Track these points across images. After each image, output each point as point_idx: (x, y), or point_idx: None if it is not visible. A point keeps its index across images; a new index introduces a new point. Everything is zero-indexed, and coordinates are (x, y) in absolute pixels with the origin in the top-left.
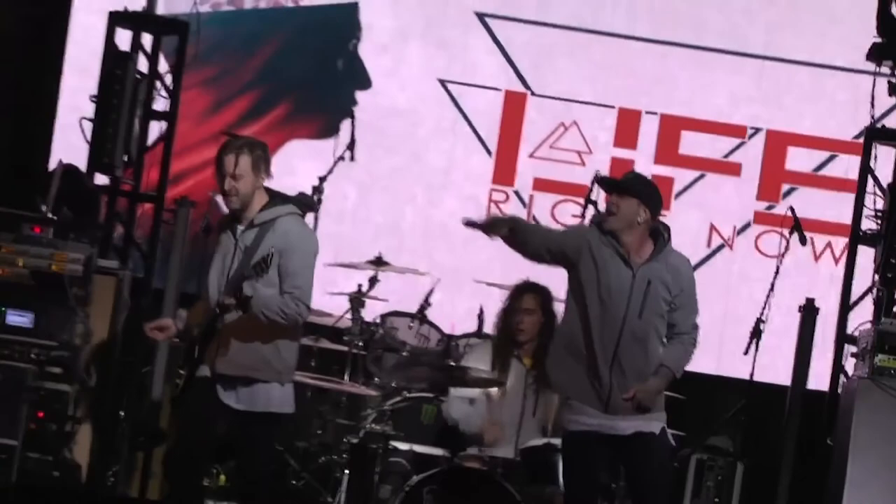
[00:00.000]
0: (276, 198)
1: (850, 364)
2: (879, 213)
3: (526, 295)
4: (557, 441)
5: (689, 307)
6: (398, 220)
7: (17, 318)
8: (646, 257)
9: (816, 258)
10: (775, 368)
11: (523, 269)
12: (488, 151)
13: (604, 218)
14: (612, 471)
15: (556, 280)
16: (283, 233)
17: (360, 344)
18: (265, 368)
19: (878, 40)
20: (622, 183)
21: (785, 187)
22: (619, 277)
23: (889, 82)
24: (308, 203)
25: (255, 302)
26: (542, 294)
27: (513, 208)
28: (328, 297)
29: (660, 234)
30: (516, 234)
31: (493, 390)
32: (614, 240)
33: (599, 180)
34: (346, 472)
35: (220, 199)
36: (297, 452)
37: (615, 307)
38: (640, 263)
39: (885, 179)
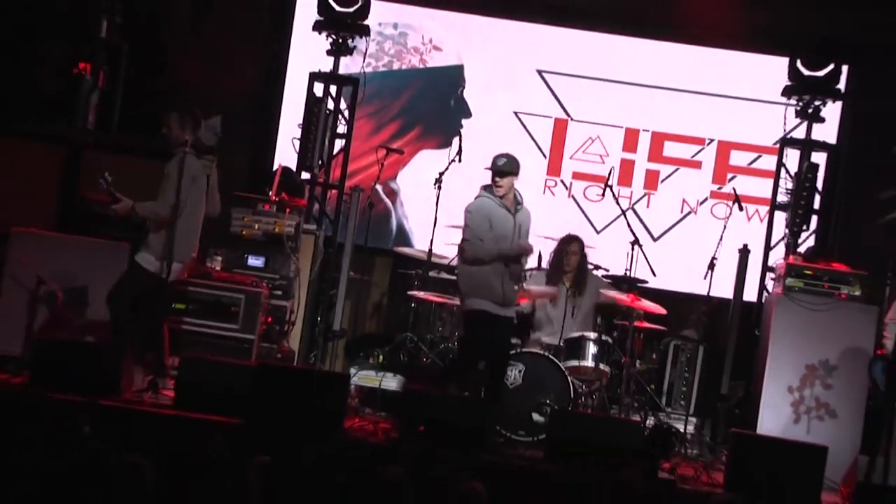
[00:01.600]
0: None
1: (770, 284)
2: (789, 191)
3: (572, 243)
4: (589, 333)
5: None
6: None
7: (255, 261)
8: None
9: (749, 219)
10: (724, 287)
11: (568, 226)
12: (544, 155)
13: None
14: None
15: (585, 233)
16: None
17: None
18: None
19: (789, 83)
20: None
21: (729, 175)
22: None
23: (795, 109)
24: None
25: None
26: (580, 242)
27: (559, 190)
28: (445, 246)
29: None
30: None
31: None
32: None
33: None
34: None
35: (378, 186)
36: (427, 341)
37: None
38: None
39: (793, 169)
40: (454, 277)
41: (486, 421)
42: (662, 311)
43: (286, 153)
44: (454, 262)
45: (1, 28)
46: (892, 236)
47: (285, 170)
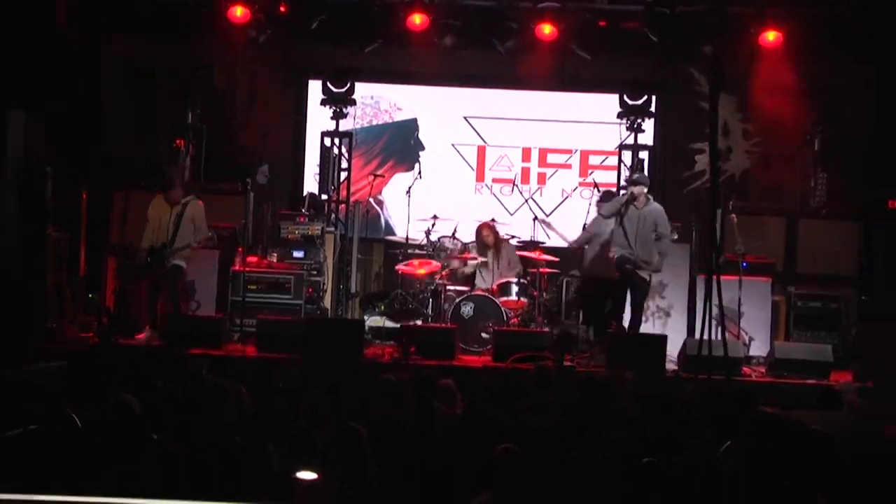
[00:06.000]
0: None
1: None
2: (626, 178)
3: (485, 228)
4: (512, 278)
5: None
6: (442, 200)
7: (298, 254)
8: None
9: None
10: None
11: (491, 212)
12: (472, 169)
13: None
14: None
15: (502, 216)
16: None
17: (431, 249)
18: None
19: (620, 109)
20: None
21: (590, 171)
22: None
23: (625, 126)
24: None
25: None
26: (491, 226)
27: (483, 190)
28: (417, 232)
29: None
30: None
31: (479, 263)
32: None
33: None
34: (430, 300)
35: (371, 199)
36: (410, 296)
37: None
38: None
39: (628, 163)
40: (424, 252)
41: (451, 340)
42: (556, 258)
43: (310, 184)
44: (422, 242)
45: (130, 124)
46: (692, 201)
47: (311, 195)
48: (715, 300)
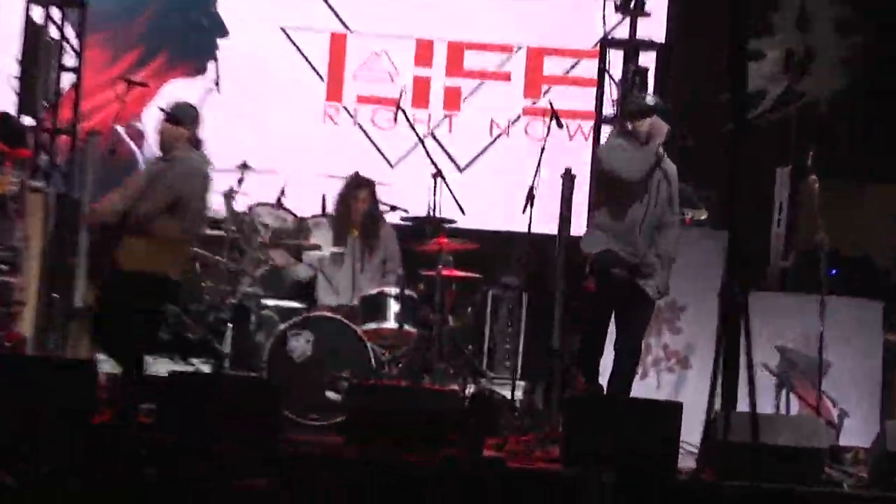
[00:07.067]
0: None
1: None
2: (614, 101)
3: (360, 189)
4: (389, 288)
5: None
6: (257, 135)
7: None
8: None
9: (571, 138)
10: (546, 222)
11: (354, 165)
12: (321, 78)
13: None
14: None
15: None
16: None
17: (234, 228)
18: None
19: None
20: None
21: (544, 87)
22: None
23: (615, 3)
24: None
25: None
26: (369, 186)
27: (342, 118)
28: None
29: None
30: None
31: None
32: None
33: None
34: (230, 325)
35: (120, 128)
36: (192, 313)
37: None
38: None
39: (617, 75)
40: (223, 233)
41: (270, 403)
42: (475, 245)
43: (2, 95)
44: (223, 216)
45: None
46: (735, 146)
47: (2, 116)
48: (774, 338)
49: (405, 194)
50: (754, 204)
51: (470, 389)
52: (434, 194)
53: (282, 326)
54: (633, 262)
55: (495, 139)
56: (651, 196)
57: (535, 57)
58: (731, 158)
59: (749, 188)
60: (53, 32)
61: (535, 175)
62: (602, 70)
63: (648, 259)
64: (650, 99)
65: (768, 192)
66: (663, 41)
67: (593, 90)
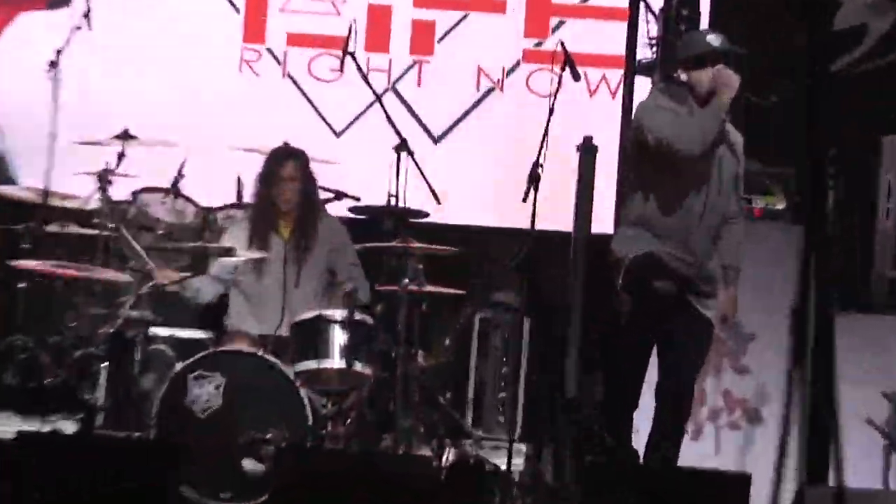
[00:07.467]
0: None
1: None
2: (653, 41)
3: (287, 162)
4: (330, 312)
5: None
6: (144, 91)
7: None
8: None
9: (592, 94)
10: (557, 214)
11: (282, 133)
12: (237, 10)
13: None
14: None
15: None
16: None
17: (111, 226)
18: None
19: None
20: None
21: (553, 21)
22: None
23: None
24: None
25: None
26: (301, 160)
27: (266, 66)
28: (73, 178)
29: None
30: None
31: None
32: None
33: None
34: (104, 364)
35: None
36: (49, 347)
37: None
38: None
39: (657, 4)
40: (95, 231)
41: (161, 478)
42: (454, 249)
43: None
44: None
45: None
46: (815, 107)
47: None
48: (881, 379)
49: (355, 175)
50: (849, 187)
51: (448, 456)
52: (397, 175)
53: (179, 367)
54: (687, 273)
55: (484, 95)
56: (714, 179)
57: None
58: (811, 125)
59: (842, 165)
60: None
61: (541, 147)
62: None
63: (708, 268)
64: (712, 37)
65: (869, 170)
66: None
67: (623, 25)
